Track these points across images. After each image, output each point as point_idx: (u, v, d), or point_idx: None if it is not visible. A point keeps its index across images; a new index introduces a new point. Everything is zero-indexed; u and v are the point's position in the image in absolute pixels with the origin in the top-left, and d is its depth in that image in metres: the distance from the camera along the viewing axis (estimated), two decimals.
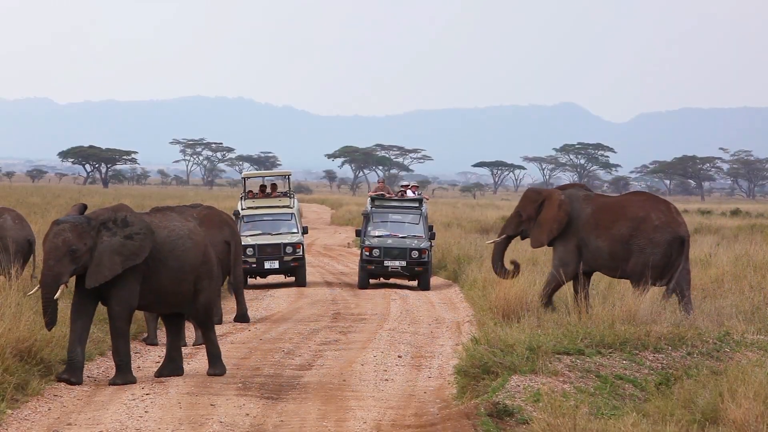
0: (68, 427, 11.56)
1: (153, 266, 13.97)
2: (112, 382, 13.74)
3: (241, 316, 20.64)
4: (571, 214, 19.07)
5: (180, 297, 14.26)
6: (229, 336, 18.54)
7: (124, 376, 13.84)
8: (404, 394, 13.59)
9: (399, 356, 16.50)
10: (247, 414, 12.28)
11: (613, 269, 18.92)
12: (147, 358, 16.03)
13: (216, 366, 14.56)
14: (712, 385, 12.64)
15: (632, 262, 18.59)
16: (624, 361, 14.12)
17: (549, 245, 19.51)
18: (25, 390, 12.77)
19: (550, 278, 19.17)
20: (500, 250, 20.05)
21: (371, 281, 27.56)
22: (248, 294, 25.30)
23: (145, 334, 17.70)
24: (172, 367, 14.40)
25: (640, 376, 13.77)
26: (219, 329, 19.41)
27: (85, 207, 14.34)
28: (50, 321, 13.64)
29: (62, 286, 13.63)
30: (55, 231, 13.68)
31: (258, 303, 23.78)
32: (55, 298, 13.57)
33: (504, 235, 20.07)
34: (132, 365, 15.25)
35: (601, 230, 18.87)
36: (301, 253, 26.88)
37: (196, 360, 15.91)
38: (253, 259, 26.62)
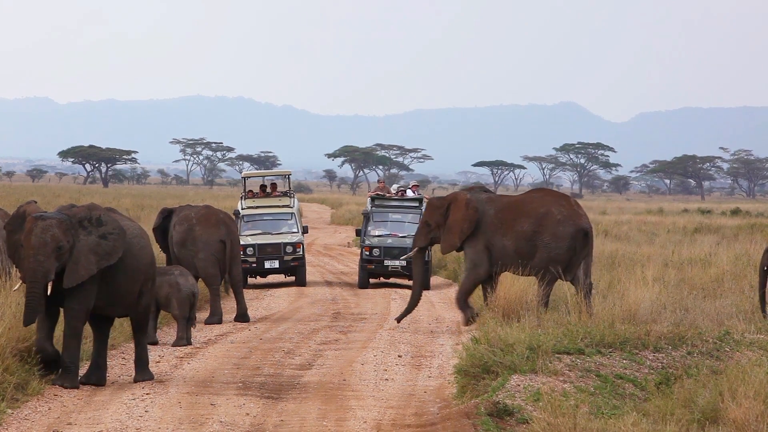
0: (68, 427, 11.56)
1: (113, 265, 13.57)
2: (58, 383, 13.23)
3: (241, 316, 20.64)
4: (479, 216, 19.26)
5: (130, 297, 13.85)
6: (229, 336, 18.54)
7: (71, 379, 13.35)
8: (404, 394, 13.59)
9: (399, 356, 16.50)
10: (248, 414, 12.29)
11: (521, 266, 19.17)
12: None
13: (144, 372, 14.05)
14: (712, 385, 12.65)
15: (537, 257, 18.82)
16: (624, 361, 14.13)
17: (459, 250, 19.84)
18: (26, 390, 12.77)
19: (465, 280, 19.48)
20: (420, 264, 20.24)
21: (371, 281, 27.55)
22: (248, 293, 25.30)
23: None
24: (98, 374, 13.82)
25: (640, 375, 13.77)
26: (219, 329, 19.43)
27: (35, 203, 14.11)
28: (32, 319, 13.16)
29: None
30: (42, 226, 13.25)
31: (258, 302, 23.78)
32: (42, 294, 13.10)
33: (416, 248, 20.24)
34: (133, 365, 15.28)
35: (505, 229, 19.13)
36: (301, 253, 26.87)
37: (196, 360, 15.91)
38: (254, 259, 26.61)
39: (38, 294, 13.17)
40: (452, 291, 26.31)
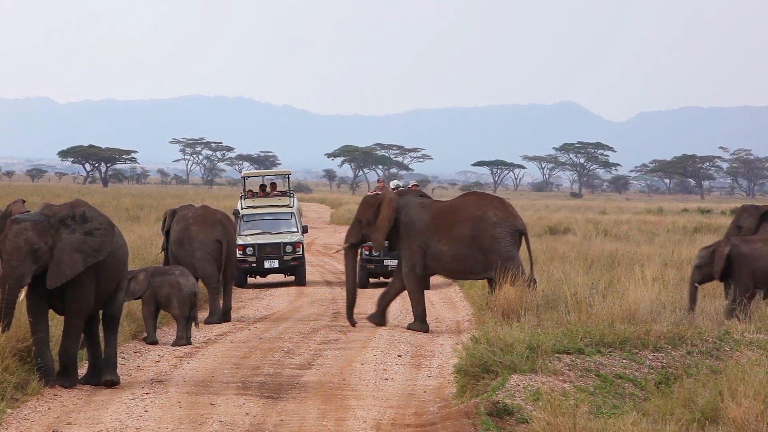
0: (68, 427, 11.56)
1: (99, 263, 13.47)
2: (60, 384, 13.18)
3: (224, 313, 20.58)
4: (410, 218, 19.49)
5: (107, 294, 13.70)
6: (229, 335, 18.55)
7: (70, 378, 13.29)
8: (404, 394, 13.59)
9: (399, 355, 16.50)
10: (247, 413, 12.28)
11: (457, 271, 19.57)
12: (147, 358, 16.03)
13: (113, 373, 13.77)
14: (711, 384, 12.64)
15: (492, 262, 19.04)
16: (624, 360, 14.12)
17: (391, 249, 20.18)
18: (25, 389, 12.76)
19: (408, 284, 19.53)
20: (351, 260, 20.36)
21: (371, 280, 27.54)
22: (248, 293, 25.31)
23: (145, 334, 17.69)
24: (98, 375, 13.75)
25: (640, 375, 13.77)
26: (219, 329, 19.42)
27: (23, 202, 13.97)
28: (9, 324, 13.05)
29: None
30: (16, 230, 13.05)
31: (258, 302, 23.79)
32: (18, 300, 13.05)
33: (347, 244, 20.37)
34: (133, 363, 15.29)
35: (441, 235, 19.31)
36: (300, 253, 26.87)
37: (195, 359, 15.91)
38: (253, 259, 26.61)
39: (13, 300, 13.00)
40: (452, 291, 26.30)
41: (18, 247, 13.01)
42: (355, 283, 20.34)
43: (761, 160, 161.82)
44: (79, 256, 13.18)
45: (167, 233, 21.42)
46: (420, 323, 19.36)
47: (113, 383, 13.65)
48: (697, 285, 18.45)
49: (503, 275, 18.69)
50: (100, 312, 13.98)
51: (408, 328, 19.31)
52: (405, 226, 19.51)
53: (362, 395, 13.42)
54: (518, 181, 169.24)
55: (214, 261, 20.71)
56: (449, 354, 16.53)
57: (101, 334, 14.06)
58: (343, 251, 20.60)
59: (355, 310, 22.28)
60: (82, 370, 14.22)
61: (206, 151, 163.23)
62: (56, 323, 14.22)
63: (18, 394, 12.57)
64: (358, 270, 27.15)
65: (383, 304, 19.80)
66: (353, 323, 19.72)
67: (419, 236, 19.37)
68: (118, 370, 13.91)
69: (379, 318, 19.74)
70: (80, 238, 13.23)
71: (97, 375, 13.76)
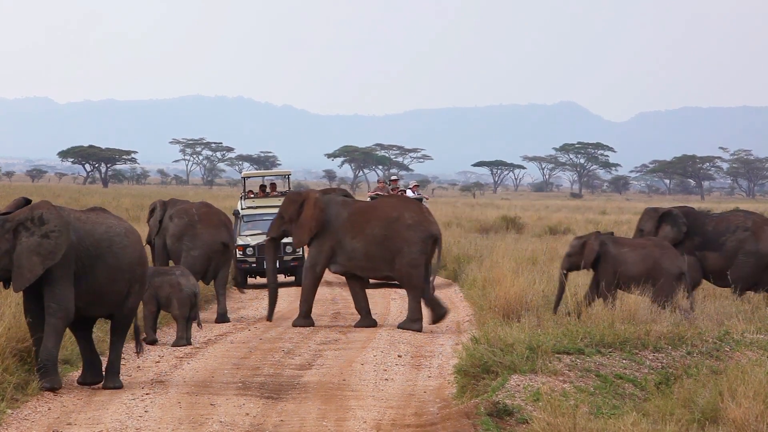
0: (68, 427, 11.56)
1: (89, 263, 13.38)
2: (41, 387, 13.00)
3: (220, 316, 20.60)
4: (329, 217, 19.88)
5: (115, 297, 13.62)
6: (229, 336, 18.55)
7: (50, 379, 13.11)
8: (404, 394, 13.59)
9: (399, 356, 16.50)
10: (247, 414, 12.29)
11: (370, 270, 19.93)
12: (147, 358, 16.02)
13: (114, 379, 13.73)
14: (711, 385, 12.65)
15: (397, 265, 19.53)
16: (624, 361, 14.12)
17: (309, 245, 20.41)
18: (25, 390, 12.76)
19: (305, 282, 19.97)
20: (271, 254, 20.68)
21: (371, 280, 27.52)
22: (248, 293, 25.31)
23: (144, 334, 17.69)
24: (93, 371, 13.70)
25: (640, 375, 13.77)
26: (219, 329, 19.42)
27: (26, 201, 13.77)
28: None
29: None
30: None
31: (258, 302, 23.78)
32: None
33: (269, 238, 20.67)
34: (133, 364, 15.28)
35: (356, 232, 19.72)
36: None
37: (195, 360, 15.91)
38: (253, 259, 26.60)
39: None
40: (452, 291, 26.31)
41: None
42: (276, 276, 20.80)
43: (761, 161, 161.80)
44: (37, 259, 13.08)
45: (159, 223, 21.46)
46: (304, 318, 19.82)
47: (114, 389, 13.59)
48: (565, 272, 19.08)
49: (406, 281, 19.43)
50: (99, 316, 13.87)
51: (294, 325, 19.71)
52: (323, 224, 19.89)
53: (362, 395, 13.43)
54: (518, 181, 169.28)
55: (209, 262, 20.73)
56: (449, 354, 16.53)
57: (95, 335, 14.02)
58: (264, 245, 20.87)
59: (354, 310, 22.29)
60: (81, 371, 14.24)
61: (206, 152, 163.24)
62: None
63: (18, 394, 12.57)
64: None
65: (360, 308, 20.01)
66: (270, 319, 20.23)
67: (334, 234, 19.78)
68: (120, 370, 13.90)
69: (365, 321, 19.90)
70: (37, 241, 13.12)
71: (92, 371, 13.69)
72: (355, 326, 19.68)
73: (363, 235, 19.63)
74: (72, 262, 13.26)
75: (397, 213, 19.65)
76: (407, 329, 19.30)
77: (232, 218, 25.53)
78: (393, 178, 30.60)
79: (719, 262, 20.29)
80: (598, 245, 18.60)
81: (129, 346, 16.78)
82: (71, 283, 13.26)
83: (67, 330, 13.71)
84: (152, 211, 21.98)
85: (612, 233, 19.47)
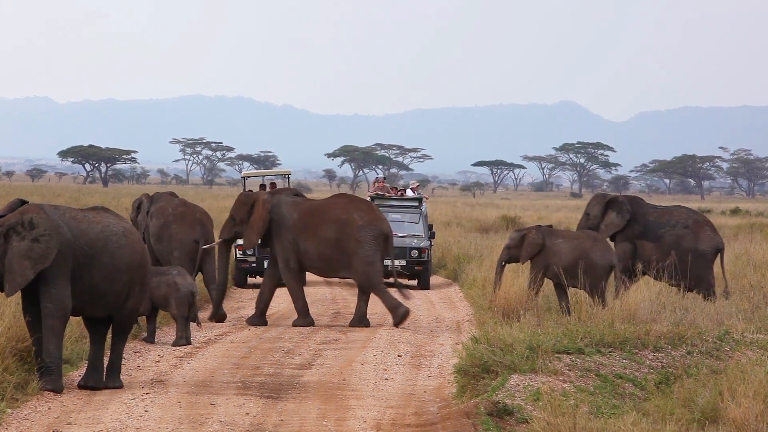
0: (68, 427, 11.56)
1: (84, 263, 13.29)
2: (43, 387, 12.95)
3: (216, 315, 20.61)
4: (279, 217, 20.02)
5: (113, 298, 13.52)
6: (229, 335, 18.55)
7: (53, 380, 13.07)
8: (404, 394, 13.59)
9: (399, 355, 16.50)
10: (247, 413, 12.28)
11: (323, 270, 20.22)
12: (147, 358, 16.02)
13: (114, 380, 13.68)
14: (711, 384, 12.65)
15: (353, 267, 19.75)
16: (624, 360, 14.12)
17: (263, 247, 20.58)
18: (25, 389, 12.75)
19: (288, 283, 20.09)
20: (223, 255, 20.70)
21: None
22: (248, 293, 25.31)
23: (145, 334, 17.69)
24: (96, 377, 13.60)
25: (640, 375, 13.77)
26: (218, 329, 19.42)
27: (22, 202, 13.72)
28: None
29: None
30: None
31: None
32: None
33: (221, 239, 20.71)
34: (133, 363, 15.28)
35: (308, 233, 19.89)
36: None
37: (195, 359, 15.91)
38: (253, 259, 26.59)
39: None
40: (452, 291, 26.33)
41: None
42: (226, 278, 20.88)
43: (761, 160, 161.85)
44: (28, 263, 13.05)
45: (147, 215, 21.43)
46: (303, 317, 19.89)
47: (114, 389, 13.56)
48: (503, 264, 19.42)
49: (365, 281, 19.58)
50: (97, 315, 13.75)
51: (294, 325, 19.75)
52: (276, 224, 20.04)
53: (362, 395, 13.43)
54: (518, 181, 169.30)
55: (191, 262, 20.67)
56: (449, 354, 16.53)
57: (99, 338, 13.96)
58: (216, 247, 20.78)
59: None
60: (81, 370, 14.23)
61: (206, 151, 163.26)
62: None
63: (18, 394, 12.56)
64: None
65: (261, 305, 20.08)
66: (212, 319, 20.22)
67: (289, 233, 19.92)
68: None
69: (258, 319, 20.01)
70: (28, 245, 13.08)
71: (95, 376, 13.61)
72: (293, 325, 19.78)
73: (315, 237, 19.81)
74: (68, 261, 13.21)
75: (347, 214, 19.86)
76: (401, 322, 19.50)
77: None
78: (414, 183, 30.68)
79: (654, 254, 20.62)
80: (537, 236, 18.88)
81: (130, 346, 16.77)
82: (67, 282, 13.21)
83: (67, 330, 13.70)
84: (138, 207, 21.89)
85: (551, 226, 19.69)
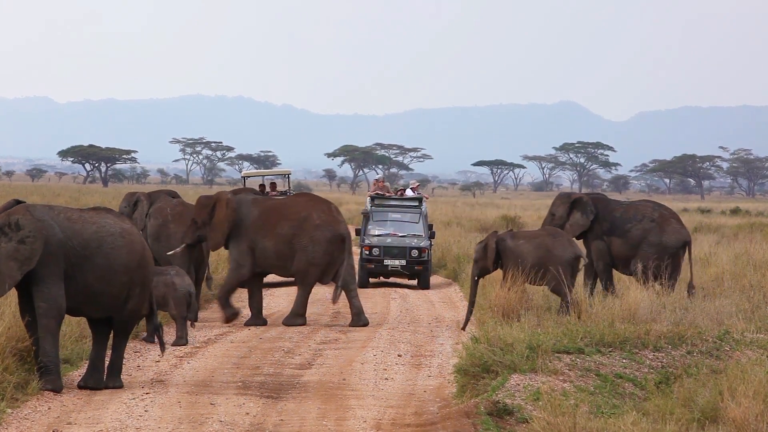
0: (68, 426, 11.56)
1: (77, 263, 13.25)
2: (42, 387, 12.95)
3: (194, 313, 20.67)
4: (240, 217, 20.01)
5: (109, 299, 13.45)
6: (229, 335, 18.55)
7: (52, 380, 13.06)
8: (404, 393, 13.60)
9: (399, 355, 16.50)
10: (247, 413, 12.29)
11: (282, 268, 20.11)
12: (147, 357, 16.02)
13: (115, 380, 13.68)
14: (711, 384, 12.65)
15: (296, 260, 19.78)
16: (624, 360, 14.12)
17: (226, 248, 20.46)
18: (25, 389, 12.75)
19: (228, 279, 20.23)
20: (186, 262, 20.53)
21: (371, 280, 27.57)
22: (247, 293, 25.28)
23: (145, 333, 17.68)
24: (96, 377, 13.58)
25: (640, 374, 13.77)
26: (218, 328, 19.41)
27: (17, 203, 13.69)
28: None
29: None
30: None
31: None
32: None
33: (184, 245, 20.61)
34: (133, 363, 15.28)
35: (267, 231, 19.92)
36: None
37: (195, 359, 15.91)
38: None
39: None
40: (452, 290, 26.33)
41: None
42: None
43: (761, 160, 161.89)
44: (14, 265, 13.03)
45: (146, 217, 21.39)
46: (255, 318, 20.05)
47: (114, 389, 13.55)
48: (477, 279, 19.32)
49: (301, 277, 19.73)
50: (95, 316, 13.71)
51: (245, 324, 19.81)
52: (236, 224, 20.02)
53: (362, 395, 13.43)
54: (518, 180, 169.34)
55: (189, 262, 20.67)
56: (449, 354, 16.53)
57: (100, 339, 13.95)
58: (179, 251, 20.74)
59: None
60: (81, 370, 14.24)
61: (206, 151, 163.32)
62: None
63: (18, 393, 12.56)
64: (359, 270, 27.36)
65: (255, 306, 20.12)
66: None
67: (248, 234, 19.92)
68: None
69: (255, 319, 20.06)
70: (14, 247, 13.06)
71: (95, 377, 13.58)
72: (246, 324, 19.81)
73: (273, 235, 19.84)
74: (59, 260, 13.17)
75: (306, 212, 19.93)
76: (291, 325, 19.59)
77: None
78: (414, 183, 30.66)
79: (623, 249, 20.79)
80: (495, 243, 18.85)
81: (130, 346, 16.78)
82: (60, 281, 13.18)
83: (67, 330, 13.70)
84: (135, 204, 21.85)
85: (512, 230, 19.72)
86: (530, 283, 18.68)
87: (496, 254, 18.81)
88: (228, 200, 20.05)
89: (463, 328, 18.83)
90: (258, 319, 20.01)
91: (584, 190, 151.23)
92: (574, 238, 20.13)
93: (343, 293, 19.98)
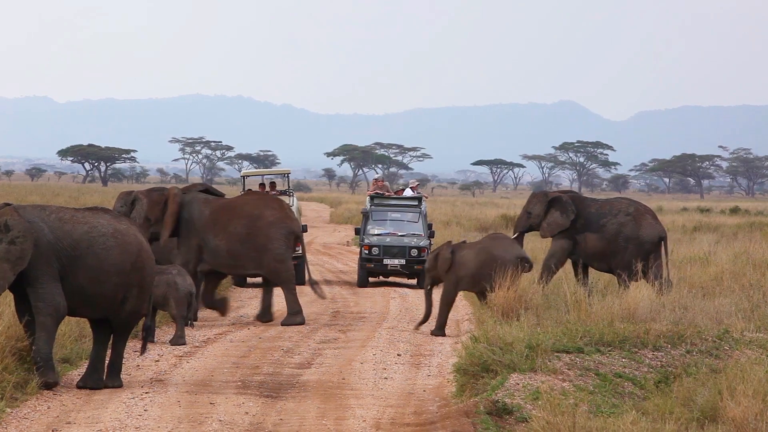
0: (68, 426, 11.55)
1: (68, 264, 13.17)
2: (39, 386, 12.89)
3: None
4: (191, 214, 20.01)
5: (104, 300, 13.34)
6: (229, 335, 18.54)
7: (46, 374, 13.00)
8: (403, 393, 13.60)
9: (398, 354, 16.50)
10: (247, 412, 12.28)
11: (234, 267, 20.15)
12: (146, 357, 16.01)
13: (114, 379, 13.63)
14: (711, 383, 12.65)
15: (264, 263, 19.79)
16: (623, 359, 14.13)
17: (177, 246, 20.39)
18: (25, 389, 12.74)
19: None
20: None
21: (370, 279, 27.56)
22: (248, 293, 25.30)
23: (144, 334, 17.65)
24: (95, 378, 13.52)
25: (640, 374, 13.77)
26: (218, 328, 19.41)
27: (5, 205, 13.68)
28: None
29: None
30: None
31: (257, 301, 23.73)
32: None
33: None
34: (133, 363, 15.27)
35: (218, 230, 19.90)
36: (300, 251, 26.86)
37: (195, 359, 15.91)
38: None
39: None
40: None
41: None
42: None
43: (761, 159, 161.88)
44: (6, 266, 13.01)
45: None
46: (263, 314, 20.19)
47: (114, 388, 13.52)
48: (429, 288, 19.21)
49: (275, 277, 19.72)
50: (93, 317, 13.66)
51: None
52: (186, 221, 20.01)
53: (362, 394, 13.43)
54: (518, 180, 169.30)
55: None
56: (449, 353, 16.53)
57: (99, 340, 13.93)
58: None
59: (354, 309, 22.29)
60: (81, 370, 14.23)
61: (206, 150, 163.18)
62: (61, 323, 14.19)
63: (17, 393, 12.55)
64: (359, 269, 27.35)
65: (266, 302, 20.28)
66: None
67: (198, 232, 19.90)
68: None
69: (263, 316, 20.18)
70: (5, 248, 13.04)
71: (94, 377, 13.54)
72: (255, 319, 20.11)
73: (225, 233, 19.81)
74: (51, 261, 13.12)
75: (259, 211, 19.92)
76: (290, 325, 19.54)
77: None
78: (414, 182, 30.62)
79: (599, 244, 20.92)
80: (449, 252, 18.83)
81: (129, 345, 16.78)
82: (56, 281, 13.13)
83: (66, 330, 13.68)
84: (132, 203, 21.76)
85: (465, 241, 19.69)
86: (470, 290, 18.97)
87: (450, 264, 18.73)
88: (173, 195, 20.04)
89: (415, 329, 18.89)
90: (266, 315, 20.11)
91: (584, 189, 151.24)
92: (521, 240, 20.16)
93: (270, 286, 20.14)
